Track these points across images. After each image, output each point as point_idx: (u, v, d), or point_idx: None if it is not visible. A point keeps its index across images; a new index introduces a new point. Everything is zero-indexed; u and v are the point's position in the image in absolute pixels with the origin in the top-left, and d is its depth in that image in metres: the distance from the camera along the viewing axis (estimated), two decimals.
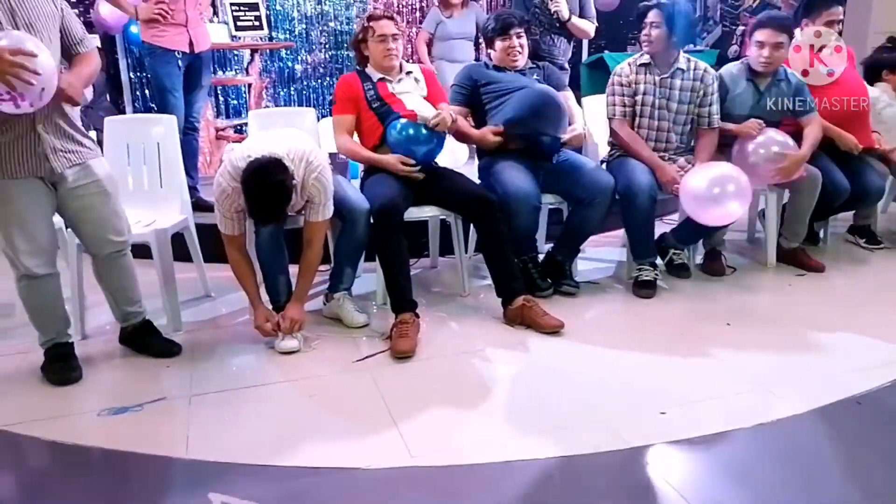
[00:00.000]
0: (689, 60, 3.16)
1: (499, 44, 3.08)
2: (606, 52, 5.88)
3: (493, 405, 2.16)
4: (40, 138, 2.11)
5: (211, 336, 2.70)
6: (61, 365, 2.31)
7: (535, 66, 3.22)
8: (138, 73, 5.17)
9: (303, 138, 2.61)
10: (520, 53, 3.09)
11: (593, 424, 2.02)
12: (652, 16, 3.07)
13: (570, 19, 3.77)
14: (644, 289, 3.04)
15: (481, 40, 5.25)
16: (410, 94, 2.91)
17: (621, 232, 3.34)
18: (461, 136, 3.12)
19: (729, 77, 3.23)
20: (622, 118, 3.16)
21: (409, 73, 2.96)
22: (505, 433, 2.00)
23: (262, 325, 2.53)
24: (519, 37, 3.08)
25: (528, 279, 2.92)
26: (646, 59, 3.13)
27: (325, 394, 2.24)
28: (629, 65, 3.17)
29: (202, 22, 3.64)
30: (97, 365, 2.44)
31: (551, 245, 3.17)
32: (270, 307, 2.62)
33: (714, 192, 2.83)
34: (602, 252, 3.61)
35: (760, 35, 3.13)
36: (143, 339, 2.52)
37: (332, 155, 3.18)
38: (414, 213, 2.84)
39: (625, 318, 2.83)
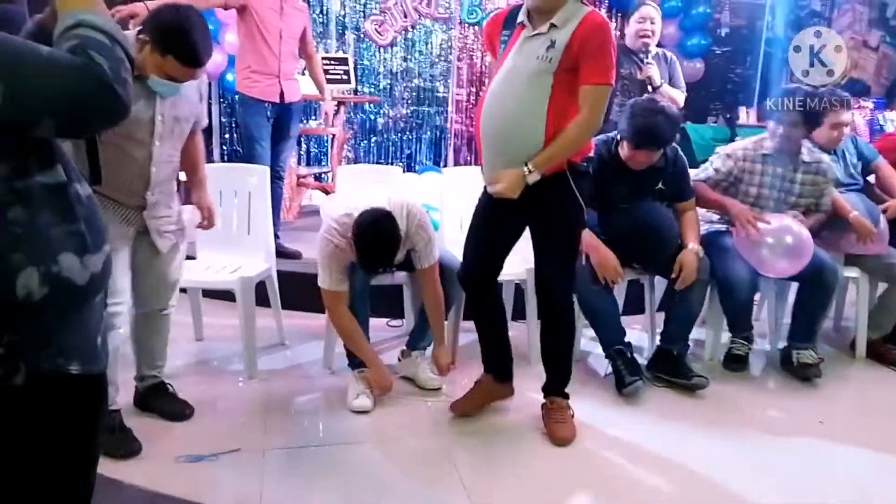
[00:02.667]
0: (810, 151, 3.04)
1: (626, 148, 2.72)
2: (688, 122, 5.84)
3: (566, 487, 2.08)
4: (147, 224, 2.16)
5: (285, 387, 2.70)
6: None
7: (660, 167, 2.81)
8: (229, 118, 5.39)
9: (397, 192, 2.64)
10: (637, 165, 2.75)
11: None
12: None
13: (661, 86, 3.69)
14: (735, 363, 3.02)
15: None
16: (525, 62, 2.07)
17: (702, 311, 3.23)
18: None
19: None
20: (710, 186, 3.07)
21: (553, 26, 2.03)
22: None
23: (386, 382, 2.50)
24: (650, 152, 2.71)
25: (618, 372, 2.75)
26: (769, 148, 3.02)
27: (400, 459, 2.20)
28: (747, 150, 3.05)
29: (294, 74, 3.77)
30: None
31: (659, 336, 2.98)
32: (346, 363, 2.62)
33: (768, 241, 2.81)
34: None
35: (838, 118, 3.09)
36: (154, 401, 2.41)
37: None
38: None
39: (707, 406, 2.70)
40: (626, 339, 2.81)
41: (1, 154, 0.90)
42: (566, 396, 2.42)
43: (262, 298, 3.00)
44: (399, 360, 2.80)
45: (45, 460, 1.01)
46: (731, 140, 5.37)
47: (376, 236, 2.31)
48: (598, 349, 2.88)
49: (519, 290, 3.19)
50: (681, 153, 2.92)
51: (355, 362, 2.58)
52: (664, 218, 2.82)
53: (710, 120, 6.25)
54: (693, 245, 2.81)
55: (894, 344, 3.34)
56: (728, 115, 6.04)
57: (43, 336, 0.96)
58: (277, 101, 3.61)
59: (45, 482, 1.02)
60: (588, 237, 2.74)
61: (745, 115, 5.83)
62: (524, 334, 3.06)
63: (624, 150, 2.75)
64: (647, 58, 3.63)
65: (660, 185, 2.83)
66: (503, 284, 3.20)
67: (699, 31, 5.85)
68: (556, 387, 2.41)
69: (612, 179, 2.75)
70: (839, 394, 2.89)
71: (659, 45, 3.75)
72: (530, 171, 2.04)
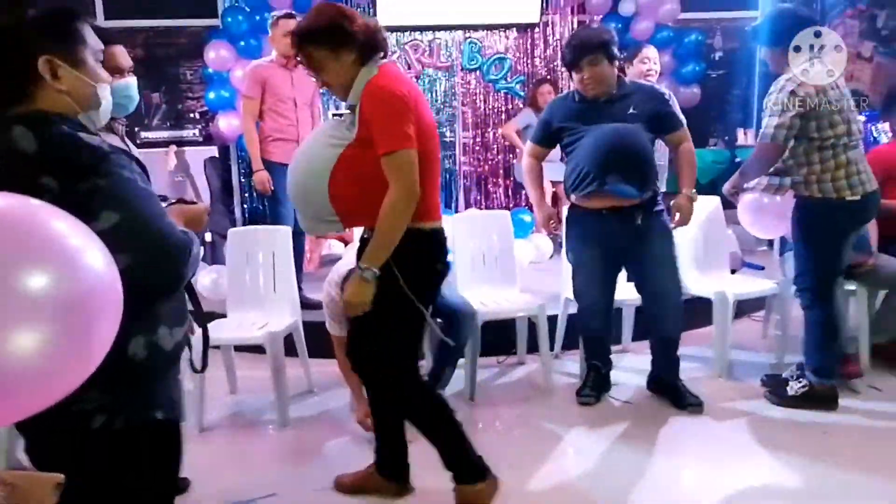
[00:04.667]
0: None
1: (574, 77, 2.81)
2: None
3: None
4: None
5: (317, 433, 2.88)
6: None
7: (626, 93, 2.81)
8: (248, 178, 5.65)
9: None
10: (592, 85, 2.77)
11: None
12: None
13: None
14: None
15: None
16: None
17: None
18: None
19: None
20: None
21: (353, 107, 1.92)
22: None
23: (363, 420, 2.70)
24: (592, 64, 2.71)
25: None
26: None
27: (428, 498, 2.32)
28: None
29: None
30: (213, 457, 2.66)
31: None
32: None
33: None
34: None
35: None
36: None
37: None
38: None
39: (721, 430, 2.84)
40: (609, 360, 3.10)
41: None
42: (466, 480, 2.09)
43: (290, 349, 3.20)
44: None
45: (133, 496, 1.25)
46: (732, 162, 5.55)
47: None
48: None
49: (532, 325, 3.36)
50: (656, 96, 2.91)
51: None
52: (632, 130, 2.73)
53: (710, 142, 6.40)
54: (686, 190, 2.82)
55: None
56: (727, 138, 6.19)
57: (140, 390, 1.24)
58: None
59: None
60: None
61: (744, 136, 5.97)
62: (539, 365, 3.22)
63: (574, 82, 2.84)
64: None
65: (632, 110, 2.77)
66: (516, 320, 3.39)
67: (693, 57, 6.01)
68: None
69: (578, 121, 2.81)
70: (847, 405, 2.94)
71: None
72: (363, 269, 1.89)
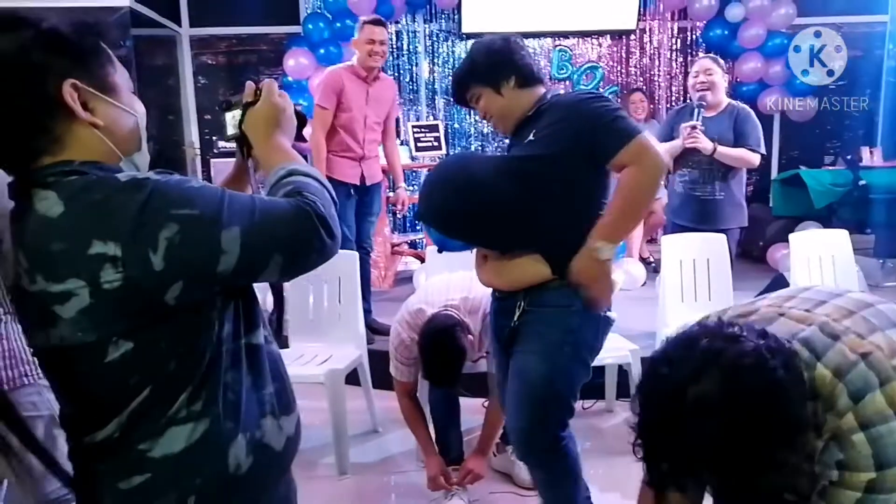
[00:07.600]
0: None
1: None
2: (802, 167, 5.40)
3: None
4: None
5: (379, 484, 2.60)
6: None
7: (535, 114, 1.83)
8: None
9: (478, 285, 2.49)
10: (492, 123, 1.94)
11: None
12: None
13: (715, 150, 3.14)
14: None
15: None
16: None
17: None
18: None
19: None
20: None
21: None
22: None
23: (435, 477, 2.38)
24: (475, 101, 1.89)
25: None
26: None
27: None
28: None
29: (375, 156, 3.75)
30: None
31: None
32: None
33: None
34: None
35: None
36: None
37: None
38: None
39: None
40: None
41: (222, 313, 0.94)
42: None
43: (354, 377, 2.93)
44: (494, 454, 2.63)
45: None
46: (856, 184, 4.91)
47: (439, 352, 2.19)
48: None
49: (623, 372, 2.97)
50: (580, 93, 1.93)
51: (449, 461, 2.44)
52: (469, 158, 2.17)
53: (826, 161, 5.78)
54: (594, 242, 1.68)
55: None
56: (849, 157, 5.53)
57: None
58: (359, 183, 3.61)
59: None
60: None
61: (869, 155, 5.32)
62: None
63: None
64: (696, 117, 3.15)
65: (531, 137, 1.77)
66: (605, 367, 3.00)
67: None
68: None
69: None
70: None
71: (734, 96, 3.46)
72: None
